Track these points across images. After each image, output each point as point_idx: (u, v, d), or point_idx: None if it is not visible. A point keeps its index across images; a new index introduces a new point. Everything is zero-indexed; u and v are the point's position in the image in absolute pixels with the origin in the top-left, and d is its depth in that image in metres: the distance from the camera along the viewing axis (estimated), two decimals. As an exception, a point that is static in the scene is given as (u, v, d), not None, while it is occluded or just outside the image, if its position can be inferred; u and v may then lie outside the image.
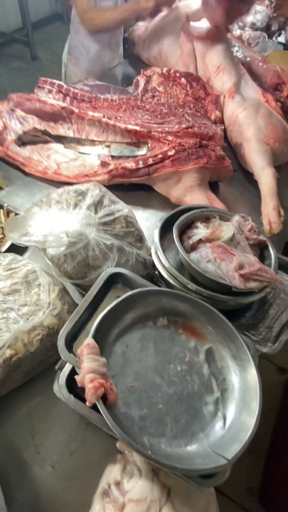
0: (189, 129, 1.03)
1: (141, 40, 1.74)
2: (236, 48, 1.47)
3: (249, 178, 1.18)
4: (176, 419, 0.49)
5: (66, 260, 0.70)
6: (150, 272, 0.79)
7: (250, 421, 0.47)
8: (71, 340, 0.57)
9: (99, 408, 0.42)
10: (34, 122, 1.17)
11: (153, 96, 1.35)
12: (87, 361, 0.45)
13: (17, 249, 0.84)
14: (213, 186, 1.14)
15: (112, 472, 0.55)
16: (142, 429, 0.47)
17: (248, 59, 1.45)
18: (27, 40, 3.72)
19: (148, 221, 1.06)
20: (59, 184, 1.09)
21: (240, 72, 1.29)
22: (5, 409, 0.65)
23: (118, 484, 0.53)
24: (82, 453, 0.62)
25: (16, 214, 0.92)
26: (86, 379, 0.44)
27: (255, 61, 1.44)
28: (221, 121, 1.26)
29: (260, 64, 1.42)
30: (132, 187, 1.09)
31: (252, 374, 0.52)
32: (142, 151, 1.07)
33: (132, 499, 0.50)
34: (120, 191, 1.09)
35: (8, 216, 0.92)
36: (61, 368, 0.57)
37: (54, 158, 1.08)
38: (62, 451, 0.62)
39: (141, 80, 1.41)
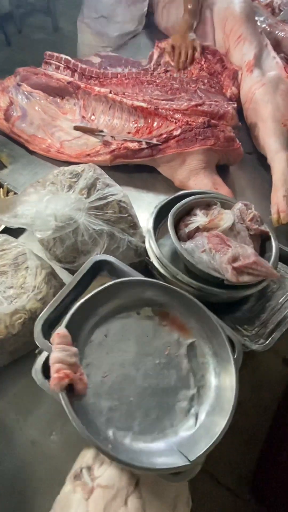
0: (198, 107, 0.96)
1: (161, 7, 1.62)
2: (262, 18, 1.34)
3: (263, 162, 1.10)
4: (147, 414, 0.48)
5: (55, 244, 0.70)
6: (143, 260, 0.77)
7: (221, 423, 0.45)
8: (53, 326, 0.56)
9: (61, 399, 0.42)
10: (40, 98, 1.14)
11: (166, 71, 1.27)
12: (55, 351, 0.45)
13: (13, 231, 0.84)
14: (223, 169, 1.07)
15: (86, 456, 0.56)
16: (109, 420, 0.46)
17: (274, 29, 1.32)
18: (49, 10, 3.59)
19: (152, 205, 1.00)
20: (62, 163, 1.07)
21: (263, 43, 1.18)
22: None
23: (89, 468, 0.54)
24: (61, 434, 0.64)
25: (15, 193, 0.92)
26: (52, 368, 0.43)
27: (282, 32, 1.31)
28: (237, 98, 1.17)
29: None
30: (136, 168, 1.05)
31: (231, 374, 0.50)
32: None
33: (100, 484, 0.51)
34: (124, 172, 1.06)
35: (7, 195, 0.92)
36: (40, 352, 0.58)
37: (58, 136, 1.05)
38: (43, 430, 0.64)
39: (155, 53, 1.32)
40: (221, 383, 0.50)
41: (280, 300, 0.76)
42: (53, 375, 0.42)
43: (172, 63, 1.26)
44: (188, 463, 0.42)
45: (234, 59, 1.21)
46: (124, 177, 1.06)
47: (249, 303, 0.75)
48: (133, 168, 1.05)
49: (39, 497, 0.59)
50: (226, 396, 0.48)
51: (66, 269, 0.73)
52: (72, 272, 0.76)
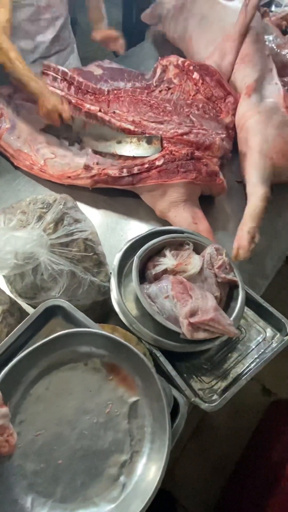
0: (184, 136, 0.93)
1: (169, 15, 1.56)
2: (271, 37, 1.28)
3: (251, 193, 1.06)
4: (73, 479, 0.48)
5: (15, 278, 0.69)
6: (109, 298, 0.76)
7: (141, 503, 0.44)
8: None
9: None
10: (31, 110, 1.12)
11: (168, 88, 1.23)
12: (-20, 414, 0.44)
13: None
14: (209, 197, 1.04)
15: None
16: (31, 485, 0.46)
17: (282, 50, 1.26)
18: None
19: (131, 232, 1.00)
20: (45, 182, 1.05)
21: (267, 68, 1.12)
22: None
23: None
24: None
25: (-9, 214, 0.91)
26: (-26, 434, 0.43)
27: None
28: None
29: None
30: (120, 192, 1.03)
31: (163, 448, 0.48)
32: (153, 151, 0.95)
33: None
34: (107, 195, 1.04)
35: (-16, 215, 0.91)
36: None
37: (42, 153, 1.04)
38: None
39: (158, 70, 1.28)
40: (152, 455, 0.49)
41: (244, 352, 0.74)
42: (-27, 441, 0.42)
43: (174, 81, 1.22)
44: None
45: (236, 79, 1.16)
46: (106, 199, 1.04)
47: (210, 352, 0.73)
48: (117, 191, 1.03)
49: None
50: (151, 473, 0.46)
51: (29, 303, 0.72)
52: (35, 307, 0.75)
